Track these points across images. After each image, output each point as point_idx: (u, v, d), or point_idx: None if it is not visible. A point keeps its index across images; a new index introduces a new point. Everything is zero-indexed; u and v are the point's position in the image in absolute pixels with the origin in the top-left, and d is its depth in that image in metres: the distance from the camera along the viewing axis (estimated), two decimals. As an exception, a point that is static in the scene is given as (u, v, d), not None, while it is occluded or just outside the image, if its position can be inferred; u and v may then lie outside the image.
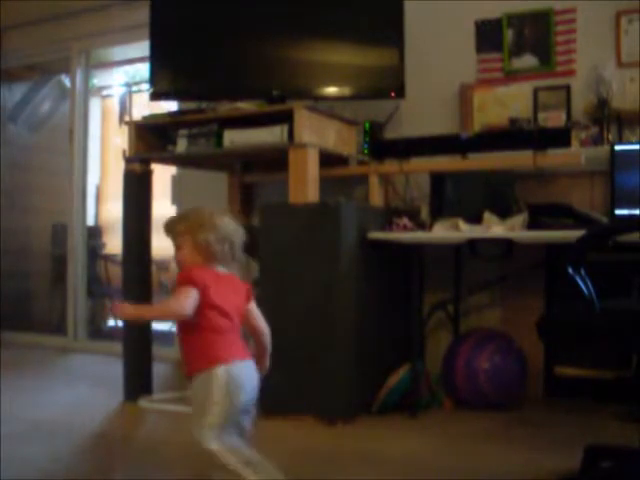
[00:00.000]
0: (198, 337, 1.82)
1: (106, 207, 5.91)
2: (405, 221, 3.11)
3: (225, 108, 3.26)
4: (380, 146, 3.48)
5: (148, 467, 2.38)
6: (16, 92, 5.77)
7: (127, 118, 5.62)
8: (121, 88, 5.99)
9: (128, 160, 3.38)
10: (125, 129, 3.50)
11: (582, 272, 1.85)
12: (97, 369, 4.25)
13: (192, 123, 3.31)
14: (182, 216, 2.00)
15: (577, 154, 3.02)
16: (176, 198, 4.45)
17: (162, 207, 4.31)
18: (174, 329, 4.63)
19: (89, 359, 4.60)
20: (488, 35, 3.54)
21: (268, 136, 3.11)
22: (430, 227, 3.05)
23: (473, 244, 3.02)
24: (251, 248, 3.16)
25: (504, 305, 3.45)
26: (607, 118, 3.14)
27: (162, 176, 4.08)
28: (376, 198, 3.49)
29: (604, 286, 1.94)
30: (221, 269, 1.90)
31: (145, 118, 3.51)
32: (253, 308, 1.96)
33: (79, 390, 3.62)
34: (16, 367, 4.22)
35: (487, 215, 2.95)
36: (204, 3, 3.57)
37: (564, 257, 1.93)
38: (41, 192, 5.75)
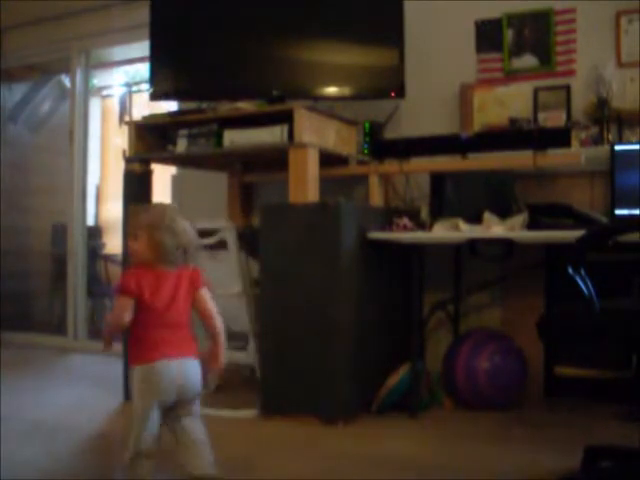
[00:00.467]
0: (131, 335, 2.00)
1: (106, 207, 5.91)
2: (405, 221, 3.11)
3: (225, 108, 3.26)
4: (380, 146, 3.48)
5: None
6: (16, 92, 5.77)
7: (127, 118, 5.64)
8: (121, 88, 6.00)
9: (128, 160, 3.38)
10: (125, 129, 3.50)
11: (582, 272, 1.85)
12: (97, 369, 4.25)
13: (192, 123, 3.31)
14: (147, 209, 2.05)
15: (577, 154, 3.02)
16: (176, 198, 4.45)
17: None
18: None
19: (89, 359, 4.60)
20: (488, 35, 3.54)
21: (268, 136, 3.11)
22: (430, 227, 3.05)
23: (473, 244, 3.02)
24: (251, 248, 3.18)
25: (504, 305, 3.45)
26: (607, 118, 3.14)
27: (162, 176, 4.08)
28: (376, 198, 3.49)
29: (604, 286, 1.94)
30: (166, 267, 1.97)
31: (145, 118, 3.51)
32: (202, 293, 2.02)
33: (79, 390, 3.62)
34: (16, 367, 4.23)
35: (487, 215, 2.95)
36: (204, 3, 3.57)
37: (564, 257, 1.93)
38: (41, 192, 5.75)
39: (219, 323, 2.05)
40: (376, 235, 3.04)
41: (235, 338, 3.41)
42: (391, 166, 3.43)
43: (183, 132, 3.33)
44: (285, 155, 3.05)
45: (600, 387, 3.08)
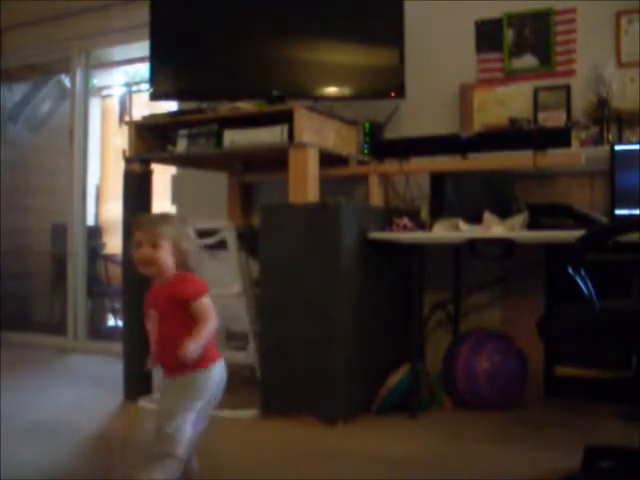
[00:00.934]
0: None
1: (106, 207, 5.91)
2: (405, 221, 3.11)
3: (225, 108, 3.26)
4: (380, 146, 3.48)
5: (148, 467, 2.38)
6: (16, 92, 5.77)
7: (127, 118, 5.64)
8: (121, 88, 6.00)
9: (128, 160, 3.38)
10: (125, 129, 3.50)
11: (582, 272, 1.85)
12: (97, 369, 4.25)
13: (192, 123, 3.31)
14: (164, 219, 2.05)
15: (577, 154, 3.02)
16: (176, 198, 4.45)
17: (162, 207, 4.31)
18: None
19: (89, 359, 4.60)
20: (488, 35, 3.54)
21: (268, 136, 3.11)
22: (430, 227, 3.05)
23: (473, 244, 3.02)
24: (251, 248, 3.18)
25: (504, 305, 3.45)
26: (607, 118, 3.14)
27: (162, 176, 4.08)
28: (376, 198, 3.49)
29: (604, 286, 1.94)
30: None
31: (145, 118, 3.51)
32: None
33: (79, 390, 3.62)
34: (16, 367, 4.23)
35: (487, 215, 2.95)
36: (204, 3, 3.57)
37: (564, 257, 1.93)
38: (41, 192, 5.75)
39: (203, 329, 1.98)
40: (376, 235, 3.04)
41: (235, 338, 3.41)
42: (391, 166, 3.43)
43: (183, 132, 3.33)
44: (285, 155, 3.05)
45: (600, 387, 3.08)
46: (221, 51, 3.52)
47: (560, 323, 2.05)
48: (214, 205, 4.01)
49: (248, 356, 3.17)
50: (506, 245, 2.87)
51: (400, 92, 3.41)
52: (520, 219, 2.88)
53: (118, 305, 5.44)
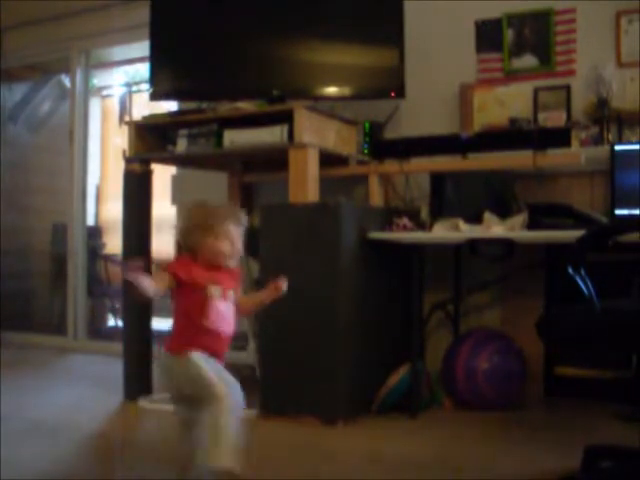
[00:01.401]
0: None
1: (106, 207, 5.91)
2: (405, 221, 3.11)
3: (225, 108, 3.26)
4: (380, 146, 3.48)
5: (148, 467, 2.38)
6: (16, 92, 5.77)
7: (127, 118, 5.63)
8: (121, 88, 5.99)
9: (128, 160, 3.38)
10: (125, 129, 3.50)
11: (582, 272, 1.85)
12: (97, 369, 4.25)
13: (192, 123, 3.31)
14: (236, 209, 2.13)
15: (577, 154, 3.02)
16: (176, 198, 4.45)
17: (162, 207, 4.31)
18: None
19: (89, 359, 4.60)
20: (488, 35, 3.54)
21: (268, 136, 3.11)
22: (430, 227, 3.05)
23: (473, 244, 3.02)
24: (251, 248, 3.18)
25: (504, 305, 3.45)
26: (607, 118, 3.14)
27: (162, 176, 4.08)
28: (376, 198, 3.49)
29: (604, 286, 1.94)
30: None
31: (145, 118, 3.51)
32: None
33: (79, 390, 3.62)
34: (16, 367, 4.23)
35: (487, 215, 2.95)
36: (204, 3, 3.57)
37: (564, 257, 1.93)
38: (41, 192, 5.75)
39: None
40: (376, 235, 3.04)
41: (235, 338, 3.41)
42: (391, 166, 3.43)
43: (183, 132, 3.33)
44: (285, 155, 3.05)
45: (600, 387, 3.08)
46: (221, 51, 3.51)
47: (560, 323, 2.05)
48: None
49: (248, 356, 3.17)
50: (506, 245, 2.87)
51: (400, 92, 3.40)
52: (520, 219, 2.88)
53: (118, 305, 5.44)
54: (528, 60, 3.45)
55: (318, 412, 2.86)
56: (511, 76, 3.48)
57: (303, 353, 2.91)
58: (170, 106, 4.29)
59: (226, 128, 3.21)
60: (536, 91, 3.38)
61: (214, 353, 2.00)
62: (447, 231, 2.96)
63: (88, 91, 5.15)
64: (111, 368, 3.89)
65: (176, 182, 4.45)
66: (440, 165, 3.36)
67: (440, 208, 3.14)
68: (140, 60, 5.05)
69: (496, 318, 3.45)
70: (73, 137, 5.03)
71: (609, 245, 2.03)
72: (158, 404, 3.25)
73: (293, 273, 2.93)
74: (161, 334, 4.60)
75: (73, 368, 4.44)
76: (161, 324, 4.79)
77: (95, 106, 5.45)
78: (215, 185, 4.02)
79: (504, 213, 2.97)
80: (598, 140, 3.14)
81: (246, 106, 3.23)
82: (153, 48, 3.59)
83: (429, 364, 3.27)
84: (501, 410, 3.03)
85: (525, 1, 3.44)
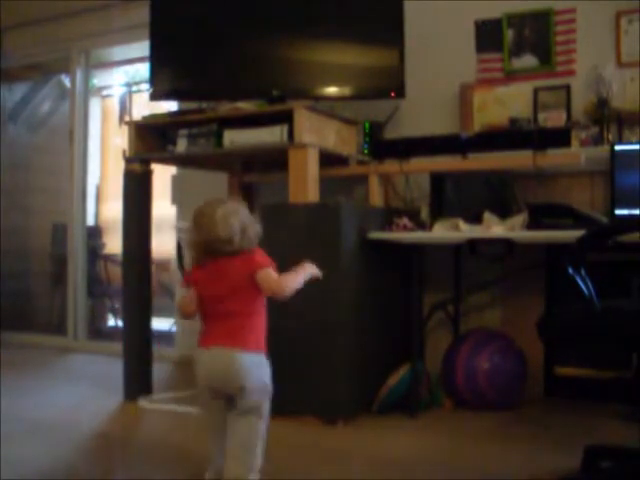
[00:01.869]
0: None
1: (106, 207, 5.91)
2: (405, 221, 3.11)
3: (225, 108, 3.26)
4: (380, 146, 3.48)
5: (148, 467, 2.38)
6: (16, 92, 5.77)
7: (127, 118, 5.63)
8: (121, 88, 5.99)
9: (128, 160, 3.38)
10: (125, 129, 3.50)
11: (582, 272, 1.85)
12: (97, 369, 4.25)
13: (192, 123, 3.31)
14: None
15: (577, 154, 3.02)
16: (176, 198, 4.45)
17: (162, 207, 4.31)
18: (174, 329, 4.64)
19: (89, 359, 4.60)
20: (488, 35, 3.54)
21: (268, 136, 3.11)
22: (430, 227, 3.05)
23: (473, 244, 3.02)
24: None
25: (504, 305, 3.45)
26: (607, 118, 3.14)
27: (162, 176, 4.08)
28: (376, 198, 3.49)
29: (604, 286, 1.94)
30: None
31: (145, 118, 3.51)
32: (259, 277, 2.03)
33: (79, 390, 3.62)
34: (16, 367, 4.23)
35: (487, 215, 2.95)
36: (204, 3, 3.57)
37: (564, 257, 1.93)
38: (41, 192, 5.75)
39: (282, 291, 2.08)
40: (376, 235, 3.04)
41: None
42: (391, 166, 3.43)
43: (183, 132, 3.33)
44: (285, 155, 3.05)
45: (600, 387, 3.08)
46: (221, 51, 3.51)
47: (560, 323, 2.05)
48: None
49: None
50: (506, 245, 2.87)
51: (400, 92, 3.40)
52: (520, 219, 2.88)
53: (118, 305, 5.44)
54: (528, 60, 3.45)
55: (318, 412, 2.86)
56: (511, 76, 3.48)
57: (303, 353, 2.91)
58: (170, 106, 4.29)
59: (226, 128, 3.21)
60: (536, 91, 3.38)
61: None
62: (447, 231, 2.96)
63: (88, 91, 5.15)
64: (111, 368, 3.89)
65: (176, 182, 4.45)
66: (440, 165, 3.36)
67: (440, 208, 3.14)
68: (140, 60, 5.04)
69: (496, 318, 3.45)
70: (73, 137, 5.03)
71: (609, 245, 2.03)
72: (158, 404, 3.25)
73: (293, 273, 2.95)
74: (161, 334, 4.61)
75: (73, 368, 4.44)
76: (161, 324, 4.81)
77: (95, 106, 5.45)
78: (215, 185, 4.02)
79: (504, 213, 2.97)
80: (598, 140, 3.14)
81: (246, 106, 3.23)
82: (153, 48, 3.59)
83: (429, 364, 3.27)
84: (501, 410, 3.03)
85: (525, 1, 3.44)
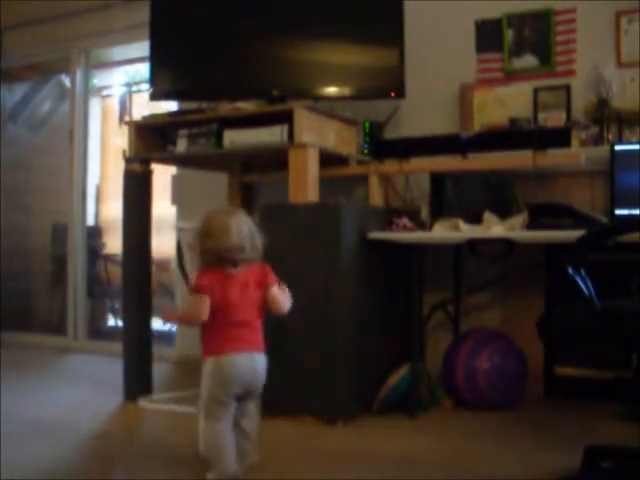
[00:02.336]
0: (203, 330, 2.18)
1: (106, 207, 5.91)
2: (405, 221, 3.11)
3: (225, 108, 3.26)
4: (380, 146, 3.48)
5: (148, 467, 2.38)
6: (16, 92, 5.77)
7: (127, 118, 5.63)
8: (121, 88, 5.99)
9: (128, 160, 3.38)
10: (125, 129, 3.50)
11: (582, 272, 1.85)
12: (97, 369, 4.25)
13: (192, 123, 3.31)
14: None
15: (577, 154, 3.02)
16: (176, 198, 4.45)
17: (162, 207, 4.31)
18: (174, 329, 4.64)
19: (89, 359, 4.60)
20: (488, 35, 3.54)
21: (268, 136, 3.11)
22: (430, 227, 3.05)
23: (473, 244, 3.02)
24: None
25: (504, 305, 3.45)
26: (607, 118, 3.15)
27: (162, 176, 4.08)
28: (376, 198, 3.49)
29: (604, 286, 1.94)
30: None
31: (145, 118, 3.51)
32: (272, 292, 2.21)
33: (79, 390, 3.62)
34: (16, 367, 4.23)
35: (487, 215, 2.95)
36: (204, 3, 3.57)
37: (564, 257, 1.93)
38: (41, 192, 5.75)
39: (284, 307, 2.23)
40: (376, 235, 3.04)
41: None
42: (391, 166, 3.43)
43: (183, 132, 3.33)
44: (285, 155, 3.05)
45: (600, 387, 3.08)
46: (221, 51, 3.51)
47: (560, 323, 2.05)
48: (214, 205, 3.98)
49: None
50: (506, 245, 2.87)
51: (400, 92, 3.41)
52: (520, 219, 2.88)
53: (118, 305, 5.44)
54: (528, 60, 3.45)
55: (318, 412, 2.86)
56: (511, 76, 3.48)
57: (303, 353, 2.91)
58: (170, 106, 4.29)
59: (226, 128, 3.21)
60: (536, 91, 3.38)
61: None
62: (447, 231, 2.96)
63: (88, 91, 5.15)
64: (111, 368, 3.89)
65: (176, 182, 4.45)
66: (440, 165, 3.36)
67: (440, 208, 3.14)
68: (140, 60, 5.05)
69: (496, 318, 3.45)
70: (73, 137, 5.03)
71: (609, 245, 2.04)
72: (158, 404, 3.25)
73: (293, 273, 2.95)
74: (161, 334, 4.61)
75: (73, 368, 4.45)
76: (161, 324, 4.80)
77: (95, 106, 5.45)
78: (215, 185, 4.02)
79: (504, 213, 2.97)
80: (598, 140, 3.14)
81: (246, 106, 3.23)
82: (153, 48, 3.59)
83: (429, 364, 3.27)
84: (501, 410, 3.03)
85: (525, 1, 3.44)
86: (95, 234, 5.68)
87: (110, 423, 3.05)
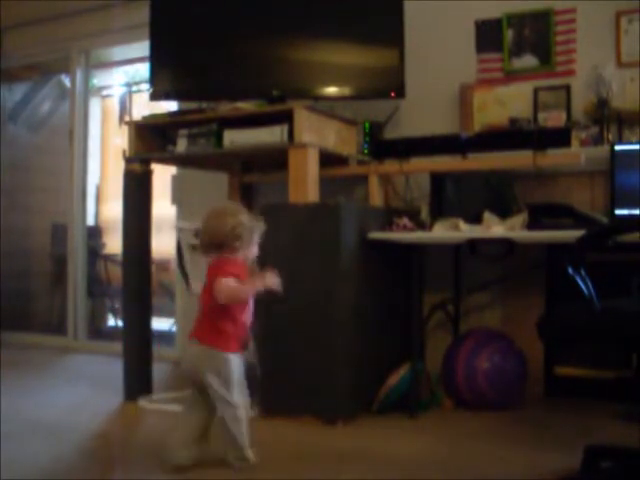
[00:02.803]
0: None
1: (106, 207, 5.91)
2: (405, 221, 3.11)
3: (225, 108, 3.26)
4: (380, 146, 3.48)
5: (148, 467, 2.38)
6: (16, 92, 5.77)
7: (127, 118, 5.63)
8: (121, 88, 5.99)
9: (128, 160, 3.38)
10: (125, 129, 3.50)
11: (582, 272, 1.85)
12: (97, 369, 4.25)
13: (192, 123, 3.31)
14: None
15: (577, 154, 3.02)
16: (176, 198, 4.45)
17: (162, 207, 4.31)
18: (174, 329, 4.65)
19: (89, 359, 4.60)
20: (488, 35, 3.54)
21: (268, 136, 3.11)
22: (430, 227, 3.05)
23: (473, 244, 3.02)
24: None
25: (504, 305, 3.45)
26: (607, 118, 3.15)
27: (162, 176, 4.08)
28: (376, 198, 3.49)
29: (604, 286, 1.94)
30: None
31: (145, 118, 3.51)
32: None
33: (79, 390, 3.62)
34: (16, 367, 4.23)
35: (487, 215, 2.95)
36: (204, 3, 3.57)
37: (564, 257, 1.93)
38: (41, 192, 5.75)
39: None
40: (376, 235, 3.04)
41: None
42: (391, 166, 3.43)
43: (183, 132, 3.33)
44: (285, 155, 3.05)
45: (600, 387, 3.08)
46: (221, 51, 3.51)
47: (560, 323, 2.05)
48: (214, 205, 4.00)
49: (248, 356, 3.17)
50: (506, 245, 2.87)
51: (400, 92, 3.41)
52: (520, 219, 2.88)
53: (118, 305, 5.44)
54: (528, 60, 3.45)
55: (318, 412, 2.86)
56: (511, 76, 3.48)
57: (303, 353, 2.91)
58: (170, 106, 4.29)
59: (226, 128, 3.21)
60: (536, 91, 3.38)
61: None
62: (447, 231, 2.96)
63: (88, 91, 5.15)
64: (111, 368, 3.89)
65: (176, 182, 4.45)
66: (440, 165, 3.36)
67: (440, 208, 3.14)
68: (140, 60, 5.05)
69: (496, 318, 3.45)
70: (73, 137, 5.03)
71: (609, 245, 2.03)
72: (158, 404, 3.25)
73: (293, 273, 2.96)
74: (161, 334, 4.61)
75: (73, 368, 4.44)
76: (161, 324, 4.81)
77: (95, 106, 5.45)
78: (215, 185, 4.02)
79: (504, 213, 2.97)
80: (598, 140, 3.14)
81: (246, 106, 3.23)
82: (153, 48, 3.59)
83: (429, 364, 3.27)
84: (501, 410, 3.03)
85: (525, 1, 3.44)
86: (95, 234, 5.68)
87: (110, 423, 3.05)
